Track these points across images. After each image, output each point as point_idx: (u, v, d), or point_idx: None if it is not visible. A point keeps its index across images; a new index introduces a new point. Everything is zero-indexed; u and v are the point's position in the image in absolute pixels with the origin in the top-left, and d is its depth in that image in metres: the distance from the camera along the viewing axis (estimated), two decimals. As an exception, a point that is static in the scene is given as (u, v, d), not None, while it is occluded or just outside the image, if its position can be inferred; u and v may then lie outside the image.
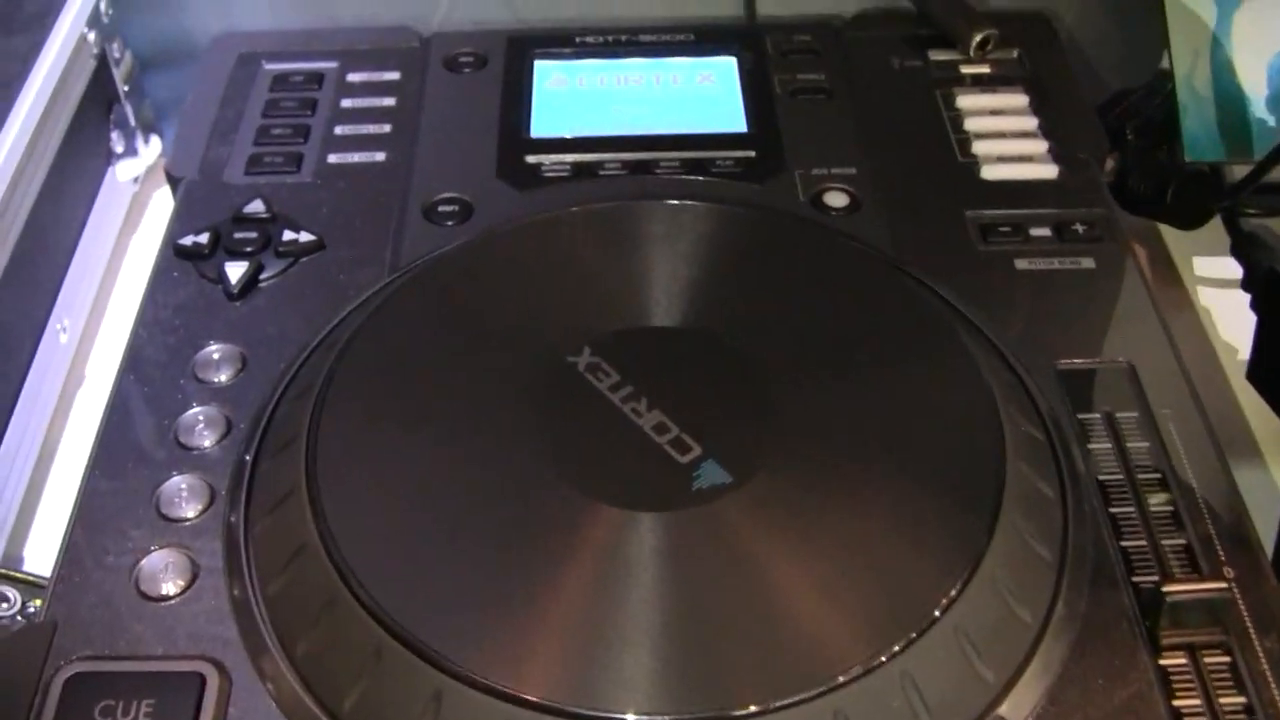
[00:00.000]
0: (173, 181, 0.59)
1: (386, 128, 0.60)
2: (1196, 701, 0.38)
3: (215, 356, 0.49)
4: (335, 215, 0.55)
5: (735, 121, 0.60)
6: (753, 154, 0.58)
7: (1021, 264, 0.53)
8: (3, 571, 0.47)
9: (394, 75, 0.64)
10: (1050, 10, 0.68)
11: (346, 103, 0.62)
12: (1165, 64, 0.59)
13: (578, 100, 0.62)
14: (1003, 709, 0.38)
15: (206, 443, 0.46)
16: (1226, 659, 0.39)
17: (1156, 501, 0.44)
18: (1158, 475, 0.45)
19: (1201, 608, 0.40)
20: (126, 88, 0.68)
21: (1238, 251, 0.58)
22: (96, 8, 0.65)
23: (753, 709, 0.36)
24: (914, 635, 0.37)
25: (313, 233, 0.54)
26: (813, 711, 0.36)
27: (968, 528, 0.40)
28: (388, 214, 0.55)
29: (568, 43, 0.65)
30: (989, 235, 0.54)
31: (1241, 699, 0.38)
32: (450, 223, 0.55)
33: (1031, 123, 0.60)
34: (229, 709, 0.38)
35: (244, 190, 0.57)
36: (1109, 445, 0.46)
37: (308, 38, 0.66)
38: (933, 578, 0.39)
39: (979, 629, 0.38)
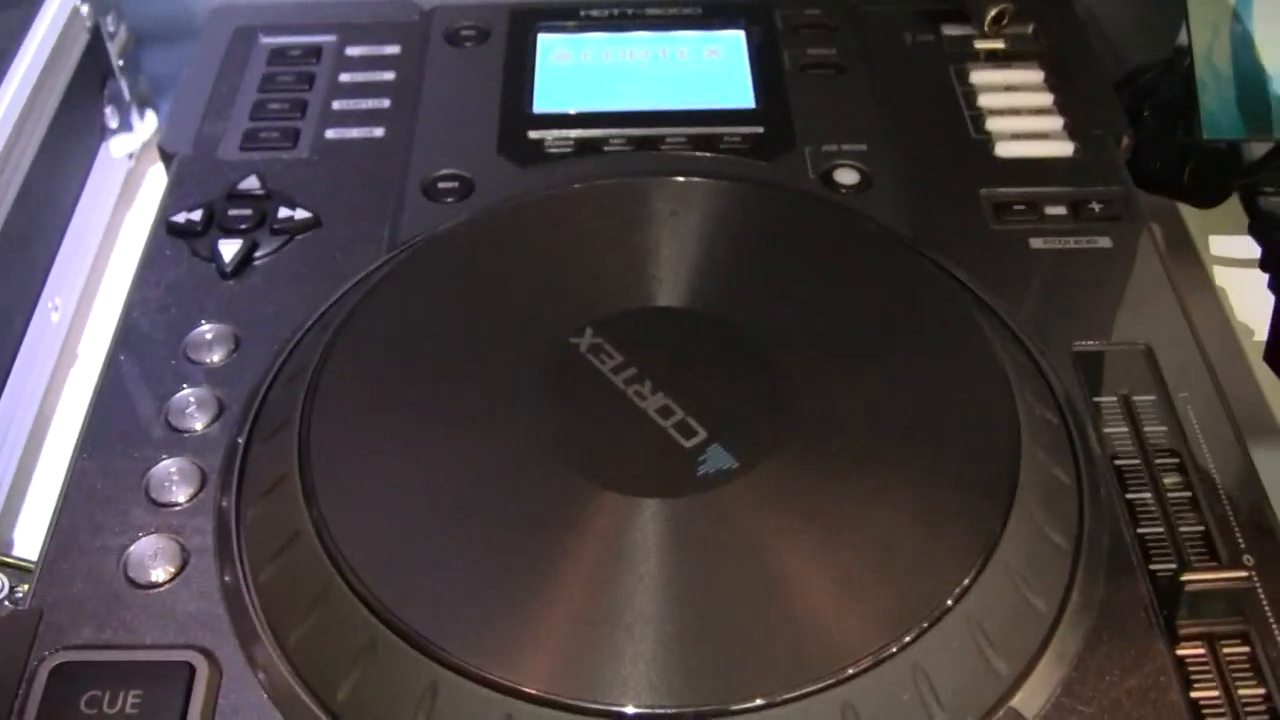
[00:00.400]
0: (166, 158, 0.58)
1: (386, 103, 0.59)
2: (1215, 693, 0.37)
3: (208, 337, 0.48)
4: (332, 192, 0.54)
5: (743, 97, 0.59)
6: (761, 130, 0.57)
7: (1036, 243, 0.52)
8: (-10, 555, 0.47)
9: (394, 49, 0.62)
10: (1065, -16, 0.67)
11: (345, 77, 0.61)
12: (1183, 40, 0.58)
13: (582, 75, 0.61)
14: (1015, 701, 0.37)
15: (198, 425, 0.45)
16: (1246, 649, 0.38)
17: (1174, 487, 0.43)
18: (1175, 460, 0.44)
19: (1220, 597, 0.39)
20: (121, 62, 0.67)
21: (1256, 230, 0.57)
22: (90, -21, 0.64)
23: (759, 702, 0.35)
24: (925, 625, 0.36)
25: (309, 210, 0.53)
26: (821, 704, 0.35)
27: (981, 514, 0.39)
28: (386, 191, 0.54)
29: (572, 16, 0.64)
30: (1003, 214, 0.53)
31: (1261, 690, 0.37)
32: (450, 200, 0.54)
33: (1047, 99, 0.59)
34: (219, 700, 0.37)
35: (239, 166, 0.55)
36: (1125, 429, 0.45)
37: (306, 11, 0.65)
38: (945, 566, 0.38)
39: (992, 619, 0.37)
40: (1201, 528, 0.42)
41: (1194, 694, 0.37)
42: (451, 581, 0.37)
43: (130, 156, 0.67)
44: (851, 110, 0.58)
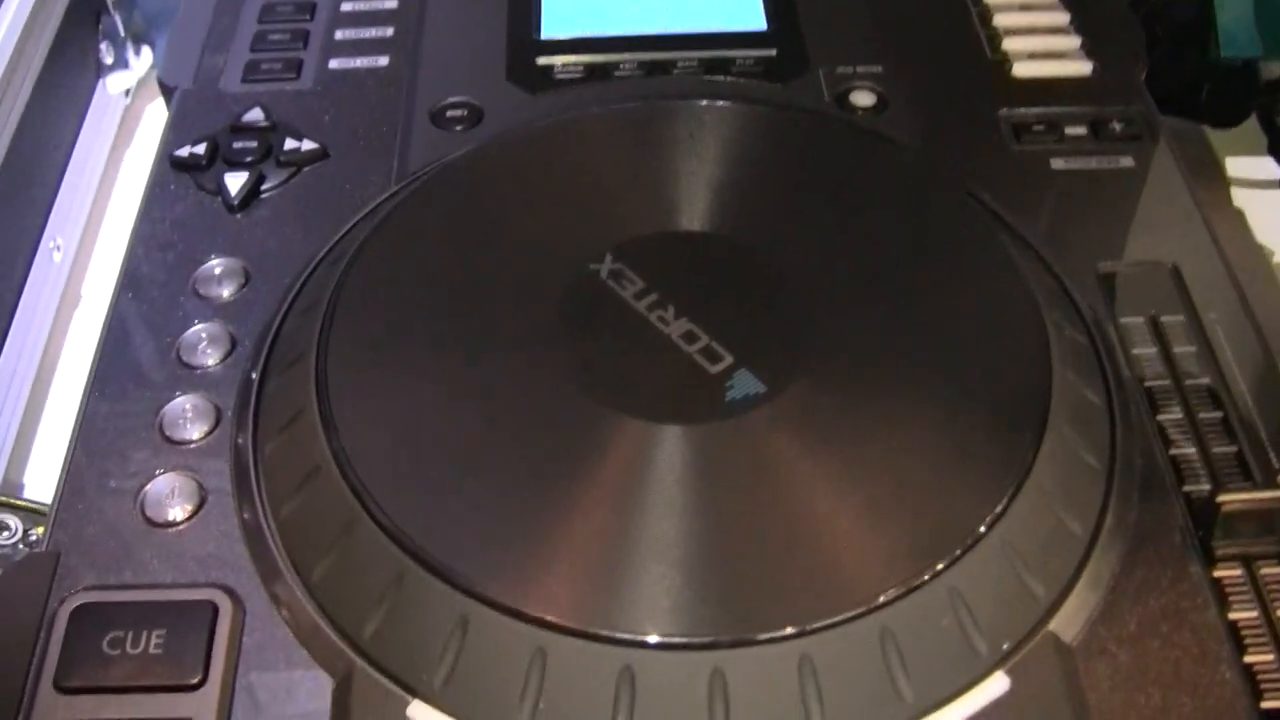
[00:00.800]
0: (166, 92, 0.56)
1: (389, 31, 0.58)
2: (1254, 614, 0.37)
3: (217, 271, 0.47)
4: (338, 123, 0.53)
5: (754, 19, 0.58)
6: (774, 53, 0.56)
7: (1057, 164, 0.51)
8: (2, 499, 0.46)
9: (396, -24, 0.61)
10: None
11: (347, 6, 0.59)
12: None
13: (588, -1, 0.60)
14: (1053, 625, 0.36)
15: (210, 361, 0.44)
16: (1284, 569, 0.38)
17: (1205, 408, 0.42)
18: (1206, 380, 0.43)
19: (1256, 517, 0.38)
20: (114, -3, 0.65)
21: (1276, 150, 0.56)
22: (80, -89, 0.62)
23: (790, 630, 0.34)
24: (961, 550, 0.35)
25: (315, 141, 0.52)
26: (858, 631, 0.34)
27: (1014, 438, 0.38)
28: (393, 120, 0.53)
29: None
30: (1022, 135, 0.52)
31: (1301, 610, 0.37)
32: (459, 128, 0.52)
33: (1063, 18, 0.58)
34: (243, 638, 0.36)
35: (242, 99, 0.54)
36: (1154, 350, 0.44)
37: (305, -62, 0.63)
38: (979, 489, 0.37)
39: (1028, 542, 0.36)
40: (1235, 448, 0.41)
41: (1232, 615, 0.37)
42: (477, 512, 0.37)
43: (126, 93, 0.66)
44: (866, 31, 0.57)
